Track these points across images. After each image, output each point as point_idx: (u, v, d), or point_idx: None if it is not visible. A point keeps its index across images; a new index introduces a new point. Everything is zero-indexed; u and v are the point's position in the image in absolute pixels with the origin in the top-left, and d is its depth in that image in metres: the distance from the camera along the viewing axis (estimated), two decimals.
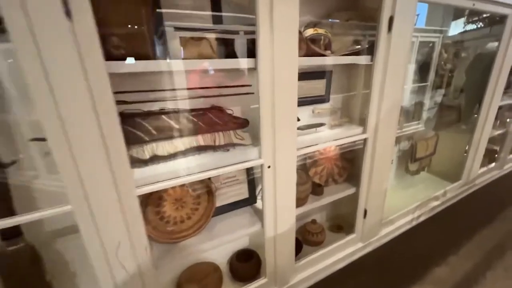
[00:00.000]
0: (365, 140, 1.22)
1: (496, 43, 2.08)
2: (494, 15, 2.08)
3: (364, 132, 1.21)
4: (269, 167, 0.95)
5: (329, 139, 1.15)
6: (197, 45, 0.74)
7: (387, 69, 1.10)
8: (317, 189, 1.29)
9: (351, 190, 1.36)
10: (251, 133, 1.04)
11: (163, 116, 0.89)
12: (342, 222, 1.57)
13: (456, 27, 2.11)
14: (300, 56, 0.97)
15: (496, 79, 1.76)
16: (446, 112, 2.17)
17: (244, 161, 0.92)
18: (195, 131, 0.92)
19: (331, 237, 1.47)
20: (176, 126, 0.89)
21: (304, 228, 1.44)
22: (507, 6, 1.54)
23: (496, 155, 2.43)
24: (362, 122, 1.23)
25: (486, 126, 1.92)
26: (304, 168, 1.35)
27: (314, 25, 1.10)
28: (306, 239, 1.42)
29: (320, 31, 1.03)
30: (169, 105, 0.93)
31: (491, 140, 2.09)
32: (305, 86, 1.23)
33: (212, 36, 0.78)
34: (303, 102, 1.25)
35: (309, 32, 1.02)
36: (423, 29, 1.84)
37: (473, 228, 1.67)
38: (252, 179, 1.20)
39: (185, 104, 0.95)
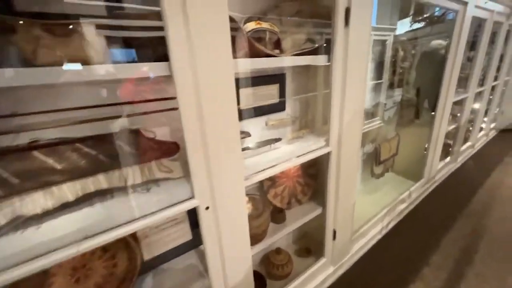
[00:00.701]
0: (328, 153, 1.04)
1: (438, 41, 2.14)
2: (432, 16, 2.15)
3: (326, 144, 1.03)
4: (207, 208, 0.70)
5: (287, 156, 0.94)
6: (64, 44, 0.46)
7: (347, 70, 0.93)
8: (278, 216, 1.08)
9: (317, 211, 1.18)
10: (184, 161, 0.78)
11: (36, 152, 0.59)
12: (310, 244, 1.39)
13: (402, 26, 2.12)
14: (239, 57, 0.74)
15: (449, 76, 1.74)
16: (405, 110, 2.15)
17: (169, 206, 0.66)
18: (93, 169, 0.63)
19: (300, 264, 1.27)
20: (58, 166, 0.59)
21: (267, 259, 1.22)
22: (457, 1, 1.50)
23: (450, 149, 2.51)
24: (325, 130, 1.04)
25: (443, 123, 1.92)
26: (261, 190, 1.13)
27: (258, 18, 0.88)
28: (270, 273, 1.20)
29: (265, 25, 0.82)
30: (50, 134, 0.62)
31: (445, 135, 2.11)
32: (255, 93, 1.00)
33: (90, 30, 0.50)
34: (254, 112, 1.03)
35: (250, 26, 0.80)
36: (376, 28, 1.77)
37: (440, 229, 1.62)
38: (195, 215, 0.94)
39: (80, 131, 0.66)
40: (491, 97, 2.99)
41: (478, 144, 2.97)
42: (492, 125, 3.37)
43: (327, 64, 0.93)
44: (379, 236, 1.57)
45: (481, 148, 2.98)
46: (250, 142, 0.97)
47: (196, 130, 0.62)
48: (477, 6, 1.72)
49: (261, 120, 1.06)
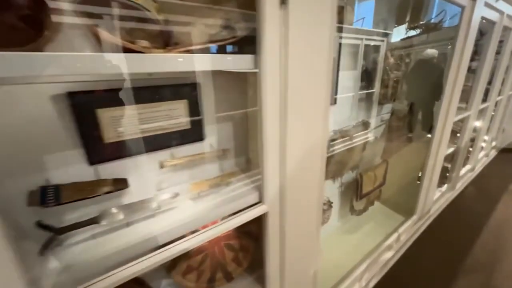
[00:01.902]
0: (264, 215, 0.65)
1: (432, 50, 1.79)
2: (428, 23, 1.80)
3: (260, 201, 0.63)
4: None
5: (187, 227, 0.54)
6: None
7: (289, 83, 0.54)
8: None
9: None
10: None
11: None
12: None
13: (398, 34, 1.79)
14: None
15: (451, 91, 1.37)
16: (395, 130, 1.78)
17: None
18: None
19: None
20: None
21: None
22: None
23: (448, 174, 2.14)
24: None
25: (441, 147, 1.54)
26: (162, 264, 0.73)
27: None
28: None
29: None
30: None
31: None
32: (142, 115, 0.60)
33: None
34: (143, 146, 0.63)
35: None
36: (367, 31, 1.41)
37: None
38: None
39: None
40: (493, 113, 2.65)
41: (478, 166, 2.62)
42: (493, 144, 3.03)
43: (254, 71, 0.53)
44: None
45: (481, 171, 2.63)
46: (128, 198, 0.57)
47: None
48: (486, 4, 1.36)
49: (156, 158, 0.65)
